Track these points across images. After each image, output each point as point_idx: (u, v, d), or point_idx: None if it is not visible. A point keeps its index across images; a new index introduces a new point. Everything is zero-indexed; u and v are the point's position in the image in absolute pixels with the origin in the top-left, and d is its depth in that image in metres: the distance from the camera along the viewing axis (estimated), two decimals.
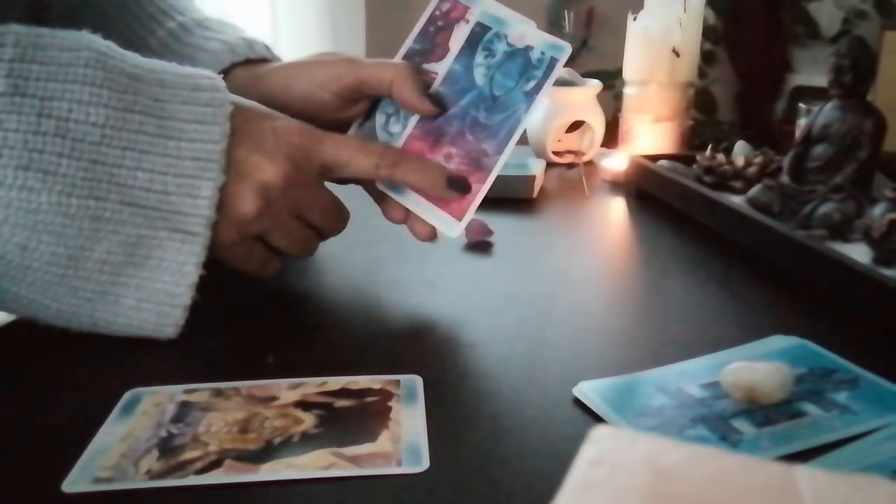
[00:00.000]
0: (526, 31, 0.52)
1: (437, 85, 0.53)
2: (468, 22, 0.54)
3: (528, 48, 0.52)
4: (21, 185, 0.39)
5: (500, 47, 0.53)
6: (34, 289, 0.42)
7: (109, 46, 0.44)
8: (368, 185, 0.55)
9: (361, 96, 0.54)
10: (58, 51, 0.41)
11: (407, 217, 0.53)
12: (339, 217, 0.52)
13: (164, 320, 0.45)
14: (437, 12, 0.55)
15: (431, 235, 0.52)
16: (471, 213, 0.51)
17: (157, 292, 0.44)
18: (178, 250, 0.44)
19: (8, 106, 0.39)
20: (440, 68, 0.54)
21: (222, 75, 0.57)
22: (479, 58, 0.53)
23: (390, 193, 0.53)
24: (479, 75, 0.53)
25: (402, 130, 0.53)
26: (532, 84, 0.51)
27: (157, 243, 0.44)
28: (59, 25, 0.44)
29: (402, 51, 0.55)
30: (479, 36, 0.53)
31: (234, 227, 0.46)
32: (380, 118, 0.55)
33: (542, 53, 0.51)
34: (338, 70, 0.53)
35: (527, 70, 0.52)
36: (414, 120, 0.53)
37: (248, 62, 0.57)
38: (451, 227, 0.51)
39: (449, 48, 0.54)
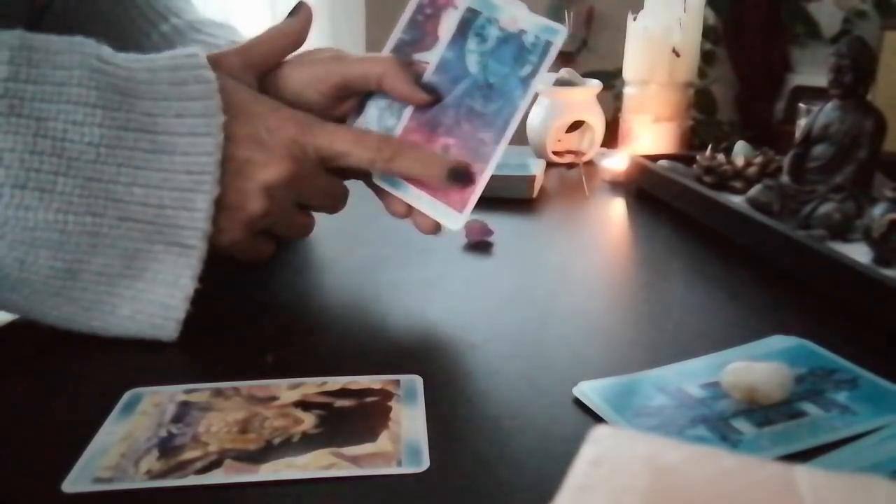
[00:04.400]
0: (518, 15, 0.51)
1: (429, 74, 0.52)
2: (457, 7, 0.52)
3: (521, 32, 0.50)
4: (18, 204, 0.40)
5: (493, 32, 0.51)
6: (33, 298, 0.42)
7: (100, 57, 0.43)
8: (368, 179, 0.54)
9: (349, 94, 0.53)
10: (51, 68, 0.41)
11: (409, 211, 0.52)
12: (338, 200, 0.53)
13: (159, 332, 0.45)
14: (425, 0, 0.53)
15: (435, 228, 0.52)
16: (472, 205, 0.50)
17: (151, 304, 0.44)
18: (175, 263, 0.44)
19: (4, 126, 0.39)
20: (431, 57, 0.52)
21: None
22: (472, 44, 0.51)
23: (388, 188, 0.52)
24: (473, 63, 0.51)
25: (396, 123, 0.52)
26: (528, 69, 0.50)
27: (154, 256, 0.44)
28: (56, 26, 0.44)
29: (391, 43, 0.54)
30: (470, 21, 0.52)
31: (243, 226, 0.47)
32: (373, 112, 0.53)
33: (536, 37, 0.50)
34: (323, 70, 0.52)
35: (521, 55, 0.50)
36: (408, 112, 0.52)
37: None
38: (454, 220, 0.50)
39: (439, 36, 0.52)
